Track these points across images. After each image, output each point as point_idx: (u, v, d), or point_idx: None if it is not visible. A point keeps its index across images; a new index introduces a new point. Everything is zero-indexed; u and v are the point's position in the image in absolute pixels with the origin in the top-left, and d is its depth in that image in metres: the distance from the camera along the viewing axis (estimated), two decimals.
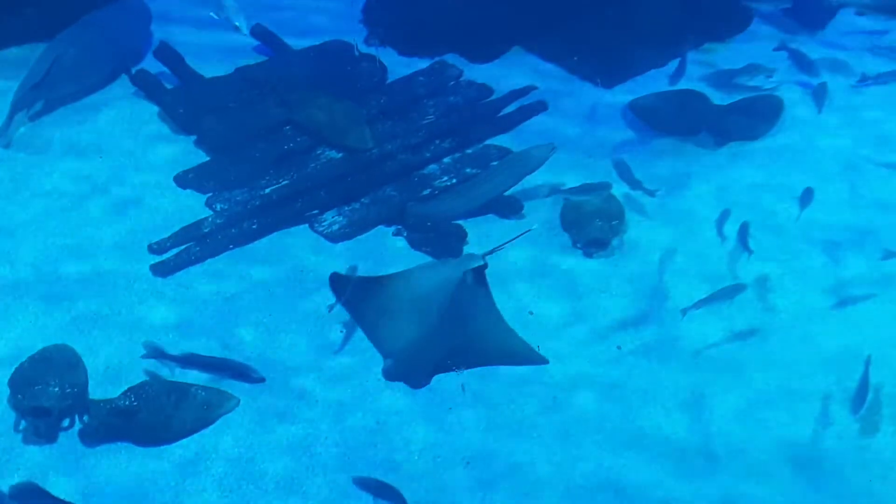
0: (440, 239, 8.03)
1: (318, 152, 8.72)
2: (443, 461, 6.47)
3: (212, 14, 7.77)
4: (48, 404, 6.43)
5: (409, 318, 7.00)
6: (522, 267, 7.90)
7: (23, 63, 9.16)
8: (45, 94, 8.87)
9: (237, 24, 7.50)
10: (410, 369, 6.86)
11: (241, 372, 6.83)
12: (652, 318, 7.48)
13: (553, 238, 8.15)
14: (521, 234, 7.47)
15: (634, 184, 8.50)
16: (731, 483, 6.40)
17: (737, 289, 7.44)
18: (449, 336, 6.89)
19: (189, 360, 6.83)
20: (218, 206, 8.16)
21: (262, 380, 6.82)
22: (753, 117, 9.40)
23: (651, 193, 8.47)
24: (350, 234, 8.07)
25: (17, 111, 8.66)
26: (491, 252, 7.29)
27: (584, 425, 6.72)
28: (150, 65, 9.50)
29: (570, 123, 9.40)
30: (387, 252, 7.96)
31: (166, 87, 9.27)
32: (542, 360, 7.02)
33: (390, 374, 6.86)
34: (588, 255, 8.03)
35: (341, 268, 7.51)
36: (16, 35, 9.59)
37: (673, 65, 10.08)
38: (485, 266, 7.02)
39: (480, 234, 8.11)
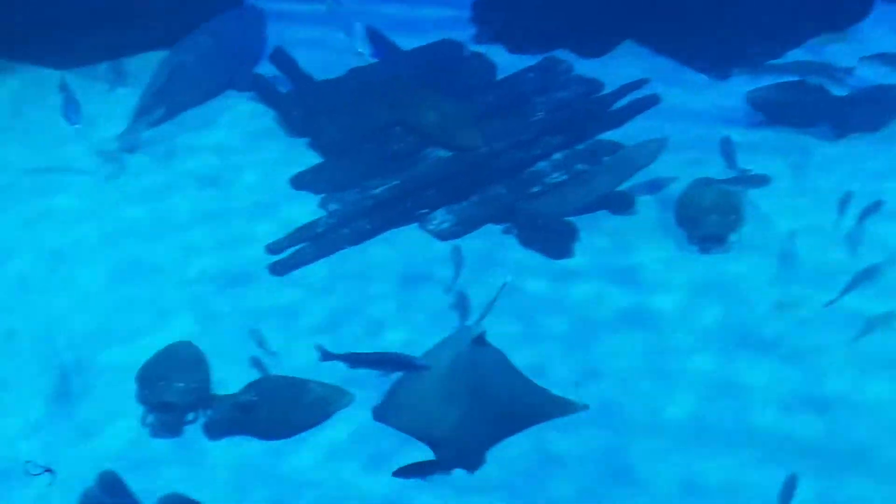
0: (551, 236, 8.03)
1: (428, 152, 8.81)
2: None
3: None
4: (173, 399, 6.67)
5: (441, 404, 6.71)
6: (639, 262, 7.86)
7: (144, 71, 9.50)
8: (167, 101, 9.17)
9: (361, 50, 7.63)
10: (462, 454, 6.52)
11: (405, 363, 6.80)
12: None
13: (668, 234, 8.07)
14: (500, 290, 7.20)
15: (750, 178, 8.34)
16: None
17: (873, 271, 7.25)
18: (485, 408, 6.63)
19: (356, 360, 6.85)
20: (331, 207, 8.32)
21: (428, 367, 6.82)
22: (875, 108, 9.13)
23: (763, 182, 8.28)
24: (459, 232, 8.13)
25: (140, 117, 8.97)
26: (481, 318, 7.15)
27: None
28: (266, 69, 9.75)
29: (683, 117, 9.28)
30: (496, 250, 8.00)
31: (281, 91, 9.48)
32: (582, 407, 6.69)
33: (447, 465, 6.47)
34: (704, 250, 7.91)
35: (449, 266, 7.64)
36: (137, 44, 9.93)
37: (789, 55, 9.86)
38: (484, 333, 6.86)
39: (592, 231, 8.08)
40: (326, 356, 6.66)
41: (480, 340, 6.81)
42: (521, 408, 6.62)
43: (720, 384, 6.92)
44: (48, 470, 6.38)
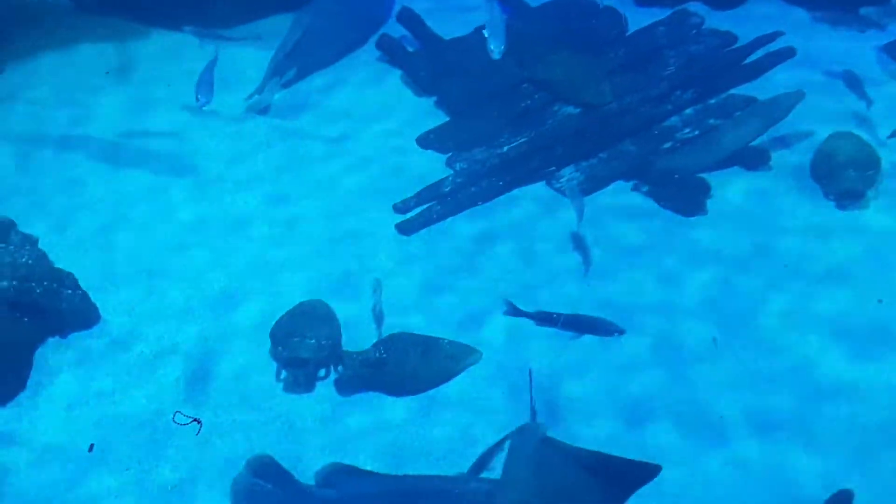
0: (682, 193, 7.90)
1: (556, 108, 8.74)
2: None
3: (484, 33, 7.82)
4: (306, 355, 6.82)
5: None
6: (774, 219, 7.68)
7: (275, 34, 9.64)
8: (297, 62, 9.31)
9: (492, 47, 7.49)
10: None
11: (599, 326, 6.87)
12: None
13: (803, 190, 7.85)
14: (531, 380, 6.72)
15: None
16: None
17: None
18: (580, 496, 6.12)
19: (545, 318, 6.95)
20: (458, 166, 8.35)
21: (623, 332, 6.86)
22: None
23: None
24: (588, 189, 8.05)
25: (272, 79, 9.13)
26: (534, 414, 6.62)
27: None
28: (393, 29, 9.78)
29: (818, 69, 8.99)
30: (625, 208, 7.91)
31: (408, 50, 9.52)
32: (656, 469, 5.94)
33: None
34: (841, 207, 7.68)
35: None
36: (268, 7, 10.07)
37: None
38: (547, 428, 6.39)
39: (725, 188, 7.91)
40: (514, 311, 6.67)
41: (547, 441, 6.22)
42: (609, 480, 5.96)
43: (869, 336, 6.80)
44: (196, 420, 6.63)
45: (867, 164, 7.74)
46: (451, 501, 5.72)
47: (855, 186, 7.68)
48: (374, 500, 5.49)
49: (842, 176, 7.71)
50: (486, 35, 7.66)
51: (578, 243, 7.62)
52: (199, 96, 8.13)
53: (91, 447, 6.59)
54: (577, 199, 7.48)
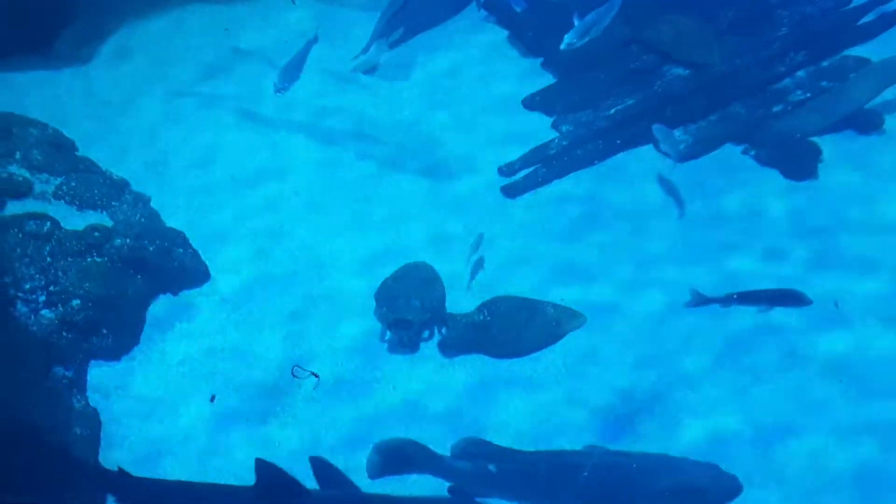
0: (792, 157, 7.72)
1: (665, 70, 8.57)
2: None
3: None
4: (410, 317, 6.88)
5: None
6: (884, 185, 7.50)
7: None
8: (404, 24, 9.30)
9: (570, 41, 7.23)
10: None
11: (790, 297, 6.72)
12: None
13: None
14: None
15: None
16: None
17: None
18: None
19: (736, 299, 6.75)
20: (564, 128, 8.27)
21: (811, 303, 6.70)
22: None
23: None
24: (696, 153, 7.93)
25: (378, 39, 9.14)
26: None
27: None
28: None
29: None
30: (736, 170, 7.77)
31: (515, 10, 9.40)
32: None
33: None
34: None
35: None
36: None
37: None
38: None
39: (836, 152, 7.71)
40: (699, 300, 6.65)
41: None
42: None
43: None
44: (314, 374, 6.76)
45: None
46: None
47: None
48: (507, 475, 5.56)
49: None
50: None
51: (669, 188, 7.55)
52: (279, 80, 7.70)
53: (213, 398, 6.76)
54: (668, 138, 7.41)
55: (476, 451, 5.97)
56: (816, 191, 7.58)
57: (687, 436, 6.27)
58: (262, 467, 5.57)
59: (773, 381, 6.48)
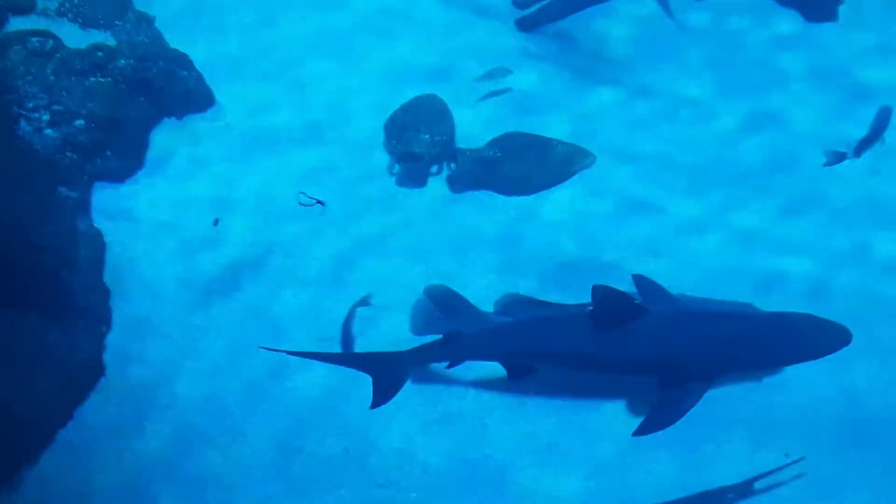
0: None
1: None
2: None
3: None
4: (419, 150, 6.82)
5: None
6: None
7: None
8: None
9: None
10: None
11: None
12: None
13: None
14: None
15: None
16: None
17: None
18: None
19: None
20: None
21: None
22: None
23: None
24: None
25: None
26: None
27: None
28: None
29: None
30: (755, 12, 7.64)
31: None
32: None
33: None
34: None
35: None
36: None
37: None
38: None
39: None
40: None
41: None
42: None
43: None
44: (319, 202, 6.73)
45: None
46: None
47: None
48: (544, 325, 5.37)
49: None
50: None
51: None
52: None
53: (216, 221, 6.75)
54: None
55: (516, 306, 5.80)
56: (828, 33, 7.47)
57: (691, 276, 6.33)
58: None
59: None
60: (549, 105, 7.21)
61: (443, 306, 5.76)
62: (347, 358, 5.57)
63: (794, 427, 5.51)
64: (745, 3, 7.73)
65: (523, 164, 6.76)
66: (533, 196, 6.74)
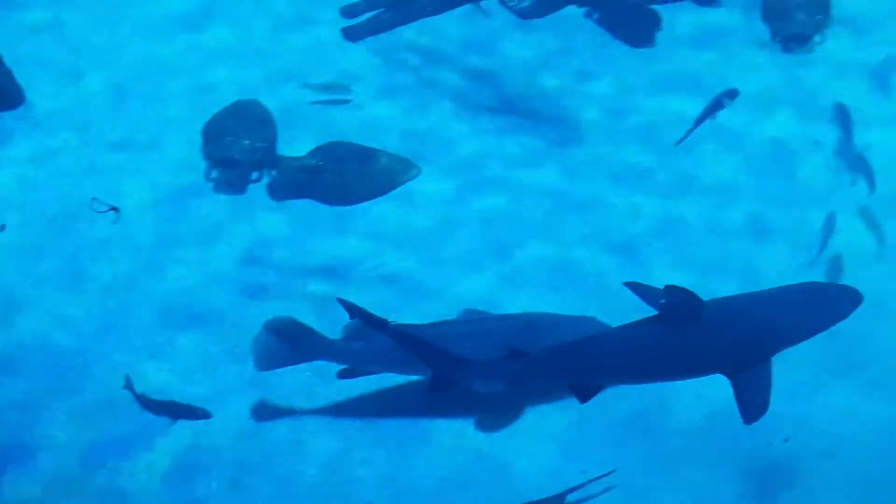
0: (634, 21, 7.75)
1: None
2: None
3: None
4: (239, 156, 6.64)
5: None
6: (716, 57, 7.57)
7: None
8: None
9: None
10: None
11: None
12: None
13: (752, 31, 7.72)
14: None
15: None
16: None
17: None
18: None
19: None
20: None
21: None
22: None
23: None
24: (540, 12, 7.84)
25: None
26: None
27: None
28: None
29: None
30: (578, 32, 7.75)
31: None
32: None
33: None
34: (787, 49, 7.60)
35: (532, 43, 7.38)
36: None
37: None
38: None
39: (673, 20, 7.78)
40: None
41: None
42: None
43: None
44: (114, 208, 6.46)
45: (818, 8, 7.62)
46: (480, 341, 5.33)
47: (803, 30, 7.58)
48: (402, 350, 5.06)
49: (792, 19, 7.60)
50: None
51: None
52: None
53: (3, 227, 6.43)
54: None
55: (368, 330, 5.31)
56: (649, 58, 7.62)
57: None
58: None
59: None
60: (384, 119, 7.15)
61: (286, 337, 5.50)
62: (424, 347, 4.96)
63: (606, 440, 5.60)
64: None
65: (347, 174, 6.66)
66: (355, 206, 6.66)
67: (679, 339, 4.79)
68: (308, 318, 5.59)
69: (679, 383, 5.54)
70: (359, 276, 6.26)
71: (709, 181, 6.73)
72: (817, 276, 6.05)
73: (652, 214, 6.55)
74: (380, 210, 6.62)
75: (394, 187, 6.69)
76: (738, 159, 6.83)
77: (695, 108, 6.98)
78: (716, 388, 4.78)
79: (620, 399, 5.61)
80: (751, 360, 4.84)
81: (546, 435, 5.57)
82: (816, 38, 7.59)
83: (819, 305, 5.02)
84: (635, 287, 4.94)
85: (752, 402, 4.80)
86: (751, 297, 5.02)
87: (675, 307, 4.71)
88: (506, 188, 6.74)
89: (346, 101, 7.19)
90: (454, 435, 5.52)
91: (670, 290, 4.70)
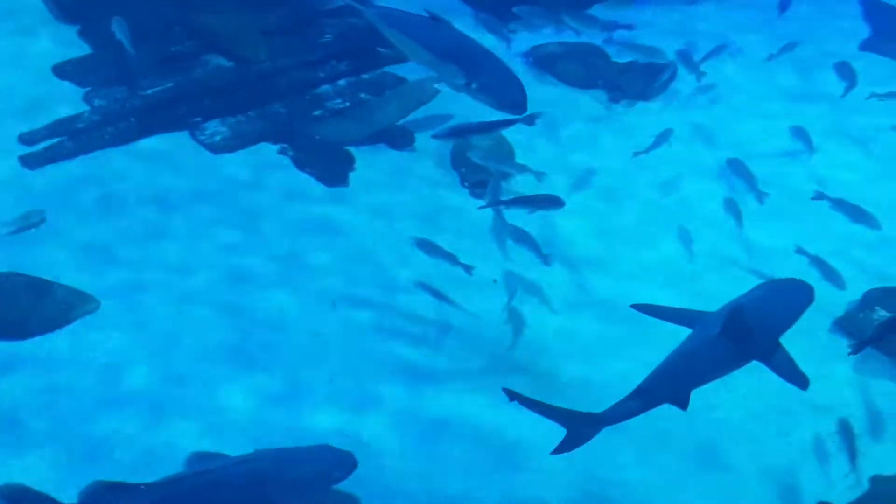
0: (326, 161, 7.86)
1: (207, 58, 8.40)
2: None
3: None
4: None
5: None
6: (408, 199, 7.79)
7: None
8: None
9: None
10: None
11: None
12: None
13: (444, 176, 8.03)
14: None
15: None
16: None
17: None
18: None
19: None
20: (96, 102, 7.85)
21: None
22: None
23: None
24: (233, 146, 7.83)
25: None
26: None
27: None
28: None
29: None
30: (270, 167, 7.75)
31: None
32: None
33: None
34: (476, 195, 7.93)
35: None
36: None
37: None
38: None
39: (369, 162, 7.95)
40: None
41: None
42: None
43: None
44: None
45: (502, 159, 8.04)
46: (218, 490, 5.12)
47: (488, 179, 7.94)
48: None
49: (478, 168, 7.95)
50: None
51: None
52: None
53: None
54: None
55: (109, 494, 5.03)
56: (343, 200, 7.72)
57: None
58: None
59: None
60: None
61: None
62: (552, 409, 5.20)
63: None
64: None
65: (20, 308, 6.23)
66: (29, 341, 6.21)
67: (726, 341, 5.49)
68: None
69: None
70: None
71: None
72: None
73: None
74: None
75: (69, 322, 6.31)
76: None
77: None
78: None
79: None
80: (773, 345, 5.63)
81: None
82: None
83: (793, 295, 5.88)
84: (645, 308, 5.75)
85: (794, 374, 5.56)
86: (751, 296, 5.79)
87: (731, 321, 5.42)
88: None
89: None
90: None
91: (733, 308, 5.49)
